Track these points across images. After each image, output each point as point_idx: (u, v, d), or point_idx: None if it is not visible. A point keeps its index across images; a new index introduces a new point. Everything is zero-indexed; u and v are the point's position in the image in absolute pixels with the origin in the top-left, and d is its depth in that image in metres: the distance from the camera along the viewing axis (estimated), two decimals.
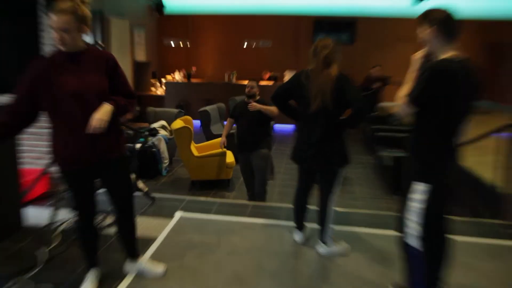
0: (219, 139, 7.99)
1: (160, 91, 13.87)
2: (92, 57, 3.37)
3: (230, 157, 7.97)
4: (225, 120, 8.18)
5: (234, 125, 6.26)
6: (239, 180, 7.91)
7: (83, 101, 3.28)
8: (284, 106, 4.32)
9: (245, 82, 11.62)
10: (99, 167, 3.57)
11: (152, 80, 14.12)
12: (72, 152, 3.42)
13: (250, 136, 5.93)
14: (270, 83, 13.31)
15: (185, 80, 13.94)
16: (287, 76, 13.44)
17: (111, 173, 3.62)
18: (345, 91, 3.88)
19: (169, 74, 14.72)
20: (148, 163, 8.21)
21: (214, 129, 9.64)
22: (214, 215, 5.52)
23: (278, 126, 13.31)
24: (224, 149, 7.21)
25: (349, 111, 4.05)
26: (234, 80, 13.79)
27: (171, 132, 8.90)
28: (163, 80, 13.88)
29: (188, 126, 7.49)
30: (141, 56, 13.24)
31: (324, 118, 4.03)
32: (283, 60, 14.61)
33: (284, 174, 8.31)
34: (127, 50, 11.97)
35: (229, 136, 6.85)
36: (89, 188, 3.65)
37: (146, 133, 7.99)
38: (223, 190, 7.46)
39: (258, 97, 6.02)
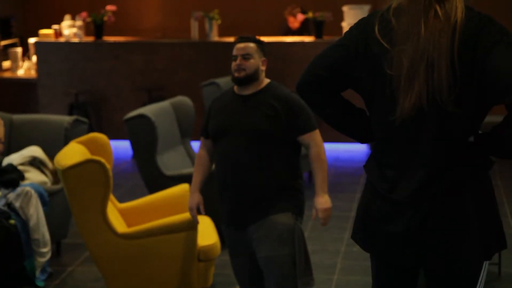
0: (181, 188, 5.00)
1: (25, 69, 9.24)
2: None
3: (207, 233, 4.72)
4: (194, 139, 5.64)
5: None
6: None
7: None
8: (330, 107, 2.75)
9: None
10: None
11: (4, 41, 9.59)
12: None
13: (248, 182, 3.66)
14: (308, 39, 8.70)
15: (90, 39, 9.00)
16: (351, 18, 8.69)
17: None
18: (490, 56, 2.47)
19: (47, 27, 9.42)
20: None
21: (168, 162, 6.09)
22: None
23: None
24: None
25: (498, 110, 2.84)
26: (213, 35, 8.91)
27: (55, 175, 5.69)
28: (31, 41, 9.18)
29: (98, 158, 4.56)
30: None
31: (434, 134, 2.58)
32: None
33: (350, 272, 5.29)
34: None
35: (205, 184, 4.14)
36: None
37: None
38: None
39: (264, 81, 3.75)
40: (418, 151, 2.48)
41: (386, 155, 2.55)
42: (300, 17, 8.56)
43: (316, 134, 3.64)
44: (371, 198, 2.62)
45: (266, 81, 3.67)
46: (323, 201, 3.53)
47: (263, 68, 3.64)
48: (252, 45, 3.61)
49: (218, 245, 4.45)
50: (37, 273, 4.86)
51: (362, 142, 2.77)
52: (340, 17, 8.42)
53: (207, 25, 8.49)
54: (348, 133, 2.76)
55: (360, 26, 2.55)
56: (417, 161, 2.49)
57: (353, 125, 2.72)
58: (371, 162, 2.61)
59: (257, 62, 3.60)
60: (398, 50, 2.38)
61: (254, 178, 3.61)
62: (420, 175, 2.46)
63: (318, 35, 8.22)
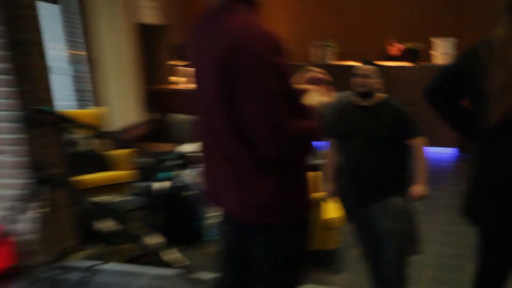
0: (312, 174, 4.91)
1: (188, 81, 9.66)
2: None
3: (332, 209, 4.93)
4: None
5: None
6: (354, 253, 5.10)
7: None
8: (449, 110, 2.81)
9: (352, 64, 6.38)
10: None
11: (171, 62, 9.51)
12: None
13: (372, 174, 3.80)
14: (404, 64, 8.92)
15: None
16: (440, 48, 8.67)
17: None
18: None
19: None
20: (179, 219, 5.35)
21: None
22: None
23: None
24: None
25: None
26: (330, 58, 9.33)
27: None
28: None
29: None
30: (150, 17, 9.07)
31: None
32: (426, 21, 9.33)
33: (443, 245, 5.51)
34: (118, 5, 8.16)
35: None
36: None
37: (173, 162, 5.59)
38: (322, 271, 4.99)
39: (381, 96, 3.87)
40: (502, 156, 2.61)
41: (485, 154, 2.69)
42: (397, 46, 9.18)
43: (421, 139, 3.77)
44: (477, 183, 2.75)
45: (383, 95, 3.83)
46: (419, 188, 3.67)
47: (378, 86, 3.81)
48: (370, 67, 3.81)
49: (343, 218, 4.51)
50: (205, 231, 5.32)
51: (471, 140, 2.83)
52: (429, 47, 9.03)
53: (322, 51, 9.37)
54: (461, 132, 2.87)
55: (468, 51, 2.68)
56: (502, 163, 2.61)
57: (465, 125, 2.83)
58: (475, 157, 2.73)
59: (374, 81, 3.79)
60: (494, 68, 2.50)
61: (376, 171, 3.78)
62: (504, 169, 2.60)
63: (413, 60, 8.96)
